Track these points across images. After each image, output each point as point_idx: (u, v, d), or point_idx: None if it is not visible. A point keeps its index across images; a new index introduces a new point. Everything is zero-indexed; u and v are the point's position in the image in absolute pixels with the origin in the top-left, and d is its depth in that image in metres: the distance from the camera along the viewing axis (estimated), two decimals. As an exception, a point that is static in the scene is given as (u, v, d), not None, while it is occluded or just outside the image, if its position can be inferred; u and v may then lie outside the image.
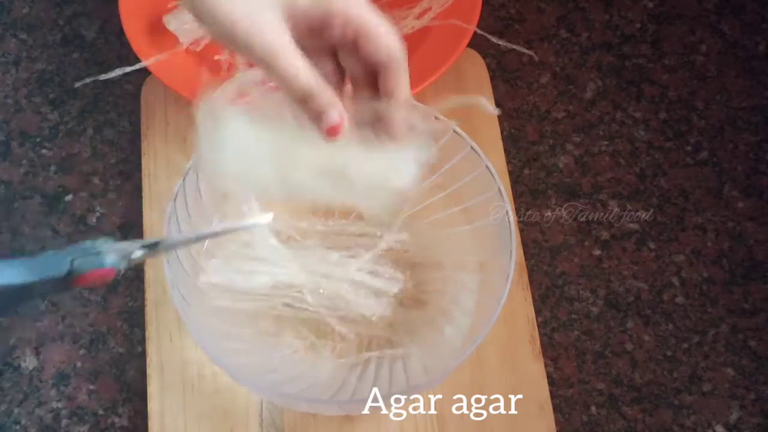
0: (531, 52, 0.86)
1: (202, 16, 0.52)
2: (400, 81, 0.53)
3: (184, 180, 0.65)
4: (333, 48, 0.54)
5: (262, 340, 0.69)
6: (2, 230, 0.80)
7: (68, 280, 0.48)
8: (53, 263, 0.47)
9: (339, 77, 0.56)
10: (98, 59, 0.88)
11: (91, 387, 0.74)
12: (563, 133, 0.85)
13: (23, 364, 0.75)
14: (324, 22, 0.52)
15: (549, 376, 0.73)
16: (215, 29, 0.52)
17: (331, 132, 0.51)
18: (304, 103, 0.51)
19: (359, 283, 0.68)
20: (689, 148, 0.85)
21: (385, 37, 0.52)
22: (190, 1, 0.52)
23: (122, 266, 0.49)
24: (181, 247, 0.54)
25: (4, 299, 0.46)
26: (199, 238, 0.55)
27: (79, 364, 0.75)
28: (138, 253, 0.50)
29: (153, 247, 0.51)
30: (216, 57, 0.82)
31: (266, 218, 0.56)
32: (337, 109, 0.51)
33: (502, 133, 0.82)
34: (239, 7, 0.50)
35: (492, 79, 0.85)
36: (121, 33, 0.80)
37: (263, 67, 0.51)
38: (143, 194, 0.78)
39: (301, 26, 0.52)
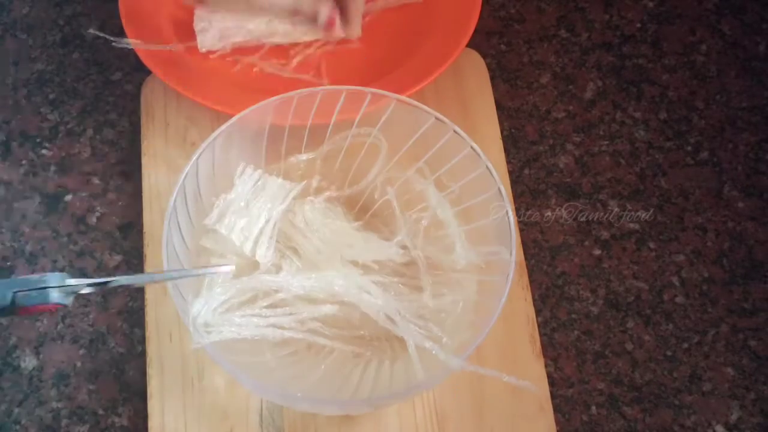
0: None
1: None
2: None
3: (184, 180, 0.65)
4: None
5: (262, 339, 0.69)
6: (2, 230, 0.80)
7: (12, 310, 0.48)
8: None
9: None
10: (98, 59, 0.88)
11: (91, 387, 0.74)
12: (563, 133, 0.85)
13: (23, 364, 0.75)
14: None
15: (549, 376, 0.73)
16: None
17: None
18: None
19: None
20: (689, 148, 0.85)
21: None
22: None
23: (68, 302, 0.49)
24: (131, 286, 0.54)
25: None
26: (152, 281, 0.55)
27: (79, 364, 0.75)
28: (86, 290, 0.50)
29: (101, 285, 0.51)
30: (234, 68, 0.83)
31: (229, 268, 0.58)
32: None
33: (502, 133, 0.82)
34: None
35: (492, 79, 0.85)
36: (121, 33, 0.80)
37: None
38: (143, 194, 0.78)
39: None
